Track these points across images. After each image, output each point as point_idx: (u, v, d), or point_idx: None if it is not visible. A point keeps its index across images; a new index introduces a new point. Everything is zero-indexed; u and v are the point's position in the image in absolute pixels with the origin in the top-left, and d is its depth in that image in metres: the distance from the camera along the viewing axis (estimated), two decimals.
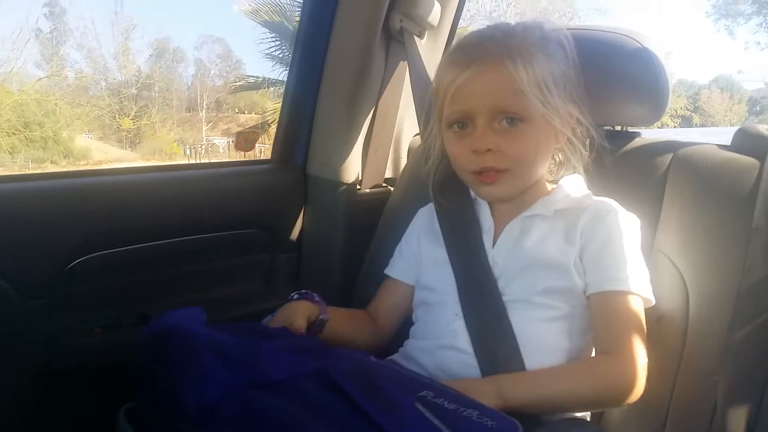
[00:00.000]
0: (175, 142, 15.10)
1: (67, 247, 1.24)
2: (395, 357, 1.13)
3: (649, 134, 1.25)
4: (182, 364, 0.88)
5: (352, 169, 1.56)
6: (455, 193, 1.17)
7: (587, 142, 1.10)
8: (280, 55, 12.29)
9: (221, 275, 1.53)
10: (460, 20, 1.67)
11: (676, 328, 1.03)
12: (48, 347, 1.23)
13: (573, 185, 1.11)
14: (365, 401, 0.80)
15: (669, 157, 1.13)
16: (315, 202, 1.61)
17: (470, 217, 1.14)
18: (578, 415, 1.03)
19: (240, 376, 0.86)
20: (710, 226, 1.03)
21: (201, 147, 15.18)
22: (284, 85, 1.66)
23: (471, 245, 1.11)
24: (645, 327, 1.00)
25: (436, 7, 1.49)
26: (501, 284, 1.06)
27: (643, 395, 0.96)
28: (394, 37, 1.49)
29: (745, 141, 1.07)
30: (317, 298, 1.14)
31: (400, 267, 1.24)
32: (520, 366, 0.99)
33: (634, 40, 1.15)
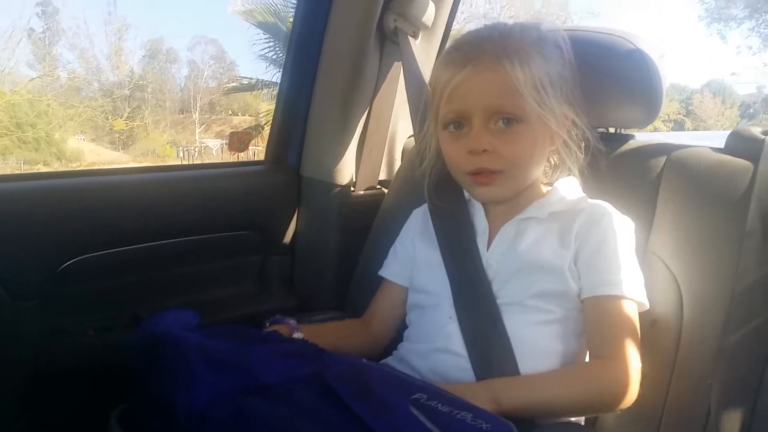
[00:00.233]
0: (168, 144, 15.06)
1: (59, 249, 1.23)
2: (389, 360, 1.13)
3: (642, 137, 1.25)
4: (172, 370, 0.87)
5: (346, 170, 1.56)
6: (450, 195, 1.17)
7: (582, 144, 1.10)
8: (274, 57, 12.30)
9: (214, 277, 1.53)
10: (454, 22, 1.66)
11: (669, 331, 1.03)
12: (39, 349, 1.23)
13: (568, 188, 1.11)
14: (358, 405, 0.80)
15: (663, 159, 1.13)
16: (308, 203, 1.60)
17: (465, 219, 1.14)
18: (572, 419, 1.02)
19: (231, 381, 0.85)
20: (704, 229, 1.03)
21: (194, 149, 15.15)
22: (278, 87, 1.65)
23: (465, 248, 1.10)
24: (639, 331, 0.99)
25: (431, 8, 1.49)
26: (495, 287, 1.05)
27: (637, 399, 0.95)
28: (388, 38, 1.49)
29: (739, 143, 1.07)
30: (289, 321, 1.13)
31: (394, 268, 1.24)
32: (514, 369, 0.99)
33: (628, 41, 1.15)
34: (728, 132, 1.11)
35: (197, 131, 15.75)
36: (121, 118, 14.46)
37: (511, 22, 1.09)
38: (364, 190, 1.61)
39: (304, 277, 1.62)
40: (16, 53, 13.40)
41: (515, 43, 1.02)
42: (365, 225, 1.50)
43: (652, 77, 1.13)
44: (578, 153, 1.10)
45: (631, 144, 1.21)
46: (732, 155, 1.06)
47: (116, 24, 15.22)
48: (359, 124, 1.55)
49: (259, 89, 13.76)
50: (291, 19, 1.68)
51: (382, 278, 1.25)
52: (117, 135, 14.60)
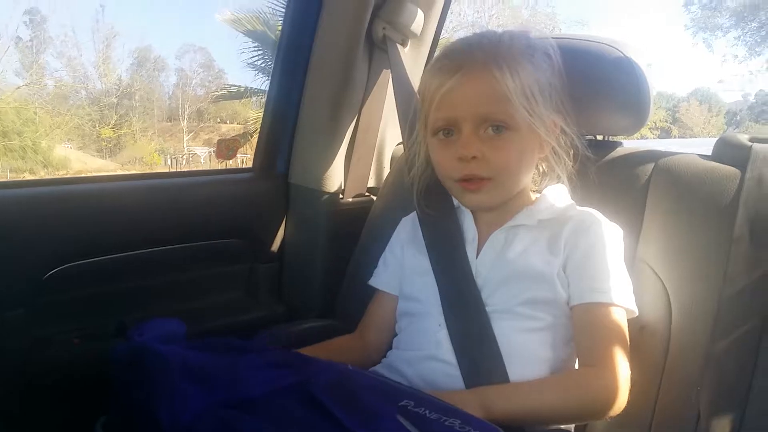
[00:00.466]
0: (155, 151, 15.03)
1: (44, 257, 1.22)
2: (378, 368, 1.12)
3: (630, 144, 1.25)
4: (155, 384, 0.87)
5: (335, 178, 1.56)
6: (439, 202, 1.17)
7: (571, 152, 1.10)
8: (263, 65, 12.30)
9: (202, 285, 1.52)
10: (443, 31, 1.67)
11: (658, 337, 1.03)
12: (25, 358, 1.21)
13: (556, 195, 1.11)
14: (344, 415, 0.79)
15: (651, 166, 1.13)
16: (297, 211, 1.60)
17: (454, 226, 1.13)
18: (562, 426, 1.02)
19: (216, 395, 0.85)
20: (692, 235, 1.03)
21: (182, 157, 15.12)
22: (266, 94, 1.65)
23: (454, 255, 1.10)
24: (628, 338, 1.00)
25: (420, 16, 1.49)
26: (484, 295, 1.05)
27: (626, 406, 0.95)
28: (377, 45, 1.49)
29: (726, 150, 1.07)
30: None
31: (384, 278, 1.23)
32: (503, 376, 0.98)
33: (616, 49, 1.15)
34: (715, 139, 1.12)
35: (185, 139, 15.73)
36: (108, 125, 14.43)
37: (500, 30, 1.09)
38: (353, 197, 1.61)
39: (293, 284, 1.61)
40: (3, 61, 13.35)
41: (505, 51, 1.02)
42: (354, 232, 1.50)
43: (640, 84, 1.14)
44: (567, 160, 1.10)
45: (619, 151, 1.21)
46: (719, 162, 1.06)
47: (104, 32, 15.20)
48: (348, 131, 1.54)
49: (247, 97, 13.75)
50: (279, 27, 1.68)
51: (371, 286, 1.25)
52: (104, 143, 14.56)
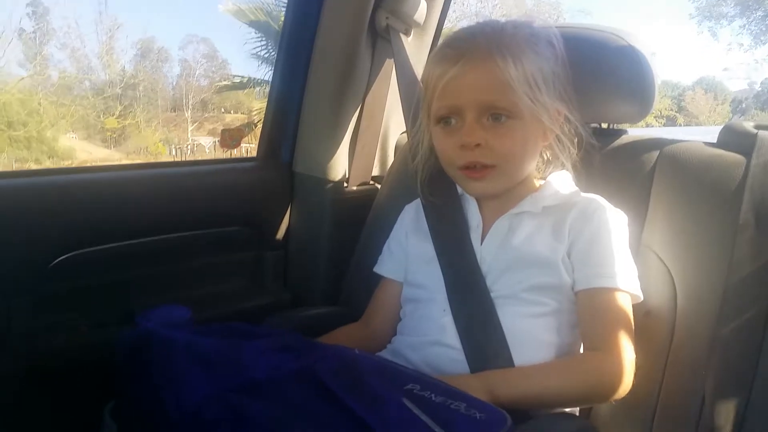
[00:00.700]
0: (160, 141, 15.03)
1: (51, 245, 1.22)
2: (383, 353, 1.12)
3: (635, 132, 1.25)
4: (161, 369, 0.87)
5: (339, 166, 1.56)
6: (443, 190, 1.17)
7: (575, 139, 1.10)
8: (266, 55, 12.29)
9: (207, 273, 1.52)
10: (446, 21, 1.66)
11: (663, 323, 1.04)
12: (31, 346, 1.22)
13: (561, 182, 1.11)
14: (350, 399, 0.80)
15: (656, 154, 1.13)
16: (301, 199, 1.60)
17: (458, 213, 1.14)
18: (567, 410, 1.03)
19: (222, 380, 0.85)
20: (697, 222, 1.04)
21: (186, 147, 15.13)
22: (270, 83, 1.65)
23: (459, 242, 1.10)
24: (633, 323, 1.00)
25: (423, 5, 1.49)
26: (489, 281, 1.06)
27: (631, 390, 0.96)
28: (380, 35, 1.49)
29: (731, 138, 1.07)
30: None
31: (389, 265, 1.24)
32: (508, 361, 0.99)
33: (621, 38, 1.15)
34: (720, 128, 1.12)
35: (189, 129, 15.73)
36: (112, 116, 14.43)
37: (503, 19, 1.09)
38: (357, 185, 1.61)
39: (298, 272, 1.62)
40: (7, 53, 13.36)
41: (508, 40, 1.02)
42: (358, 220, 1.50)
43: (645, 72, 1.14)
44: (571, 148, 1.10)
45: (624, 139, 1.21)
46: (725, 149, 1.06)
47: (108, 23, 15.18)
48: (352, 120, 1.54)
49: (251, 87, 13.75)
50: (283, 17, 1.68)
51: (376, 273, 1.25)
52: (109, 133, 14.56)
